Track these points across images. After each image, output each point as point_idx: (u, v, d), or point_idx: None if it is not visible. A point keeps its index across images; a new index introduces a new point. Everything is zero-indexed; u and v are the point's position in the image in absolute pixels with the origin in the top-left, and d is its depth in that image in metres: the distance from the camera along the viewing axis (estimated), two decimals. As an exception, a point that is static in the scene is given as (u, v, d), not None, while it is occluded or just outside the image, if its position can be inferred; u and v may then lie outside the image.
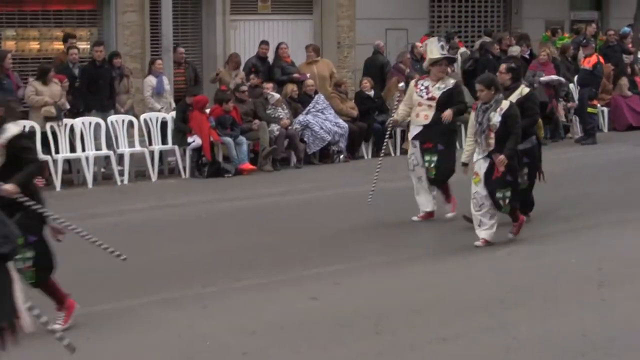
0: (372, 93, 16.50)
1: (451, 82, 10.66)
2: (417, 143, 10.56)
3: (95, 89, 14.12)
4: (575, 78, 18.36)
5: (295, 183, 13.65)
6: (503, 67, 10.32)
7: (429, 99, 10.48)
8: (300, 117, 15.54)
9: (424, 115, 10.48)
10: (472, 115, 9.42)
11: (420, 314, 7.15)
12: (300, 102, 15.86)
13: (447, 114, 10.40)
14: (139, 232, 10.46)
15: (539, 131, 10.53)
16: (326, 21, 18.89)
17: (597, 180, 13.39)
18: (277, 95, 15.38)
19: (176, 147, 14.35)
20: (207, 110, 14.56)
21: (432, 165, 10.45)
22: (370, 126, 16.06)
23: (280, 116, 15.18)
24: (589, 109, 17.52)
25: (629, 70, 19.84)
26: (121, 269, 8.59)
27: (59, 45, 15.53)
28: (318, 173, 14.75)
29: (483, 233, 9.29)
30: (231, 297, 7.68)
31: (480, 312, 7.15)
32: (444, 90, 10.48)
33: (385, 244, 9.58)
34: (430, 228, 10.30)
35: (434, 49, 10.63)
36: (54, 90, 13.58)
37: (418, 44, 18.18)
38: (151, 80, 14.82)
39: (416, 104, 10.56)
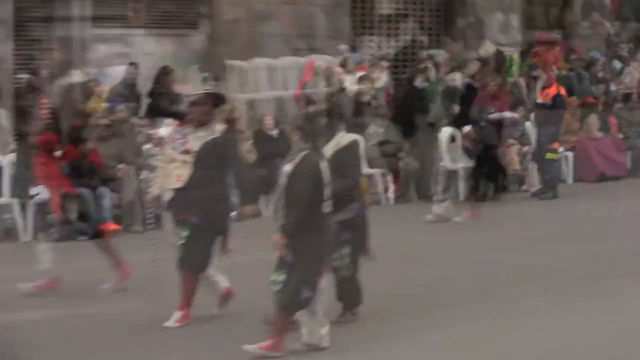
0: (275, 132, 16.57)
1: (220, 128, 10.00)
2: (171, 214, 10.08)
3: None
4: (532, 115, 18.74)
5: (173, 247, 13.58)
6: None
7: (183, 152, 9.87)
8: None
9: (176, 176, 9.85)
10: None
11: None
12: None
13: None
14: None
15: (365, 194, 9.94)
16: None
17: (555, 246, 13.53)
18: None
19: (14, 201, 14.29)
20: (58, 153, 14.43)
21: (179, 242, 9.83)
22: (273, 175, 16.11)
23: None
24: (549, 154, 17.82)
25: (599, 105, 20.34)
26: None
27: None
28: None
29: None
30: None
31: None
32: (207, 140, 9.81)
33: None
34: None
35: (192, 82, 10.14)
36: None
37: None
38: (-21, 112, 14.70)
39: (170, 160, 10.00)
